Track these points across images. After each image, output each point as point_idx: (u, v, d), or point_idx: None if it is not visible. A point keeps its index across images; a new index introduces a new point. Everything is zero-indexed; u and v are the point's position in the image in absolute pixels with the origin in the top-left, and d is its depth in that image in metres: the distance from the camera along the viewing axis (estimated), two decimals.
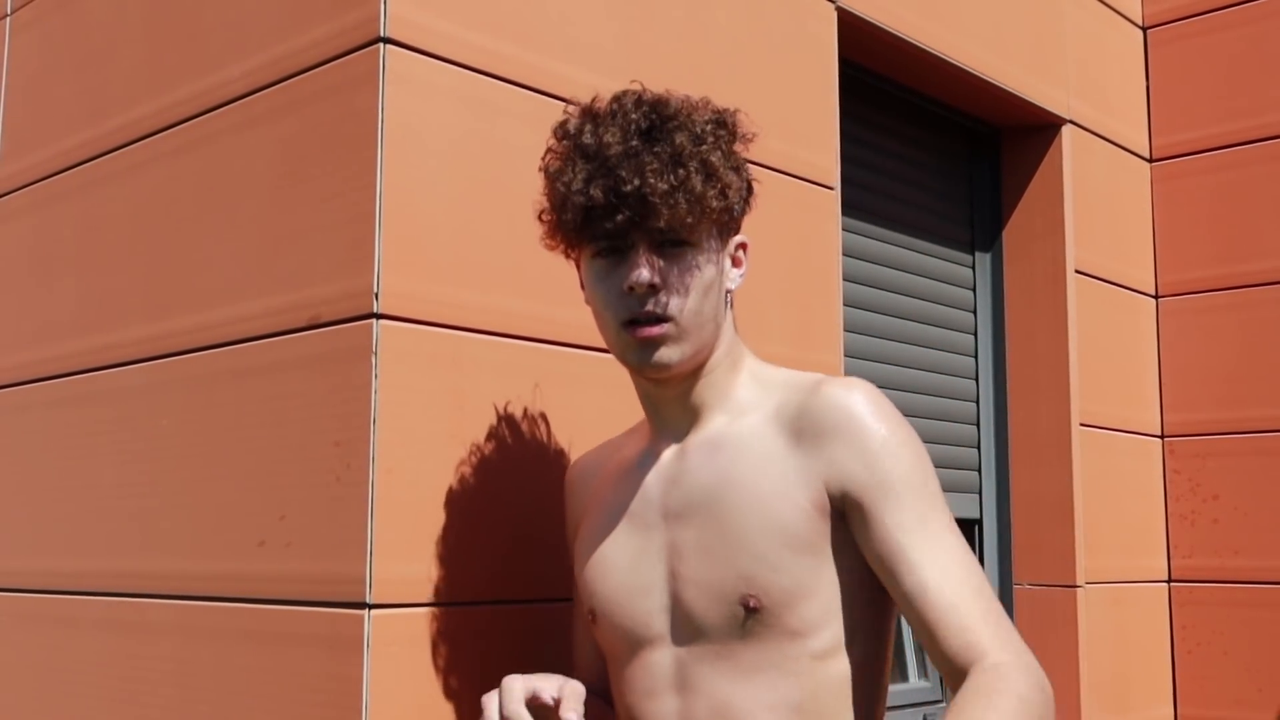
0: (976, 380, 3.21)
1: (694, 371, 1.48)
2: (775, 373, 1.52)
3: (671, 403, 1.51)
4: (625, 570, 1.50)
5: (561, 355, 1.92)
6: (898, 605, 1.40)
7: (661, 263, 1.40)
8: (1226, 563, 3.28)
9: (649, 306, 1.40)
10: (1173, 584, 3.38)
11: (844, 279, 2.54)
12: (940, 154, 3.19)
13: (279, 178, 1.90)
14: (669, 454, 1.51)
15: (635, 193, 1.36)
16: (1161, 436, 3.43)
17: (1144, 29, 3.56)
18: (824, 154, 2.48)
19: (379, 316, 1.70)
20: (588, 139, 1.41)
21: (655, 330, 1.40)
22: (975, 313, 3.22)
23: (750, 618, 1.39)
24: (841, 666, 1.42)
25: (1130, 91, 3.51)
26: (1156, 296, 3.47)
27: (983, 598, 1.34)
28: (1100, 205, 3.32)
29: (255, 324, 1.90)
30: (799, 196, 2.39)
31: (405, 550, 1.70)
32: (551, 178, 1.45)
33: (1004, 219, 3.26)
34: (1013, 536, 3.15)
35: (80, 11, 2.43)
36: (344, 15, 1.81)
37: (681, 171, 1.37)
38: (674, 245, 1.41)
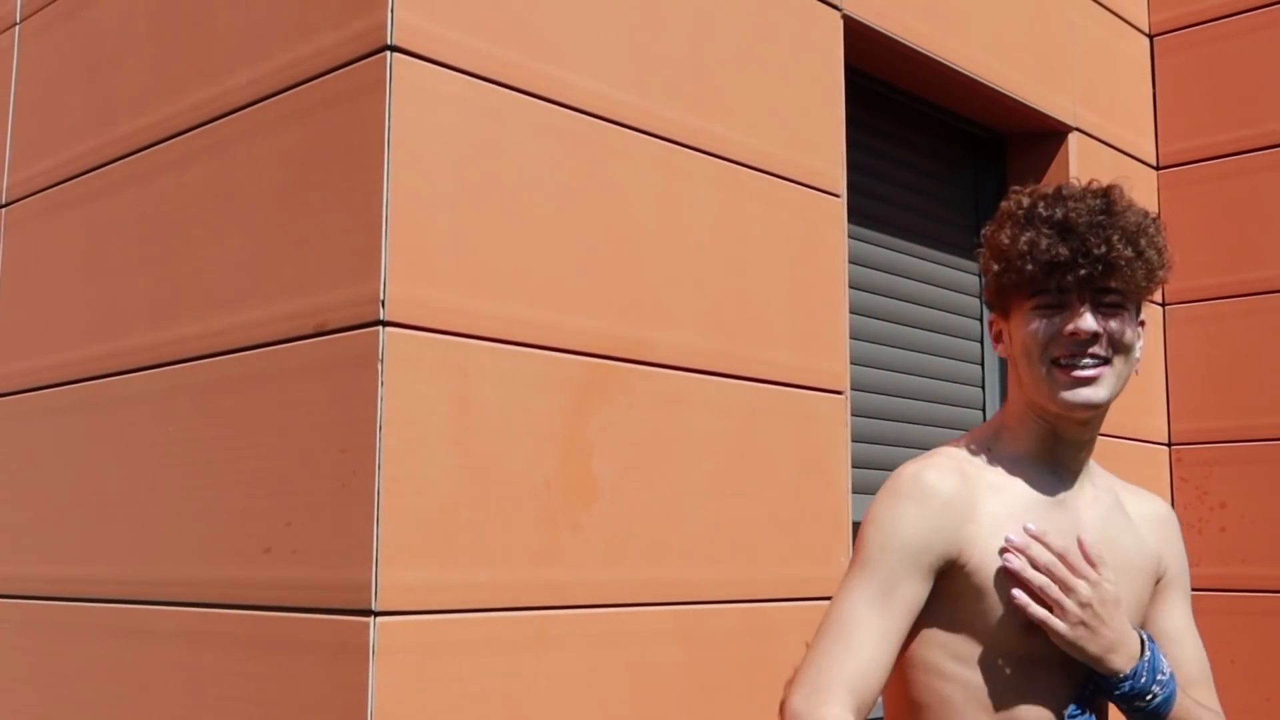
0: (983, 388, 3.20)
1: (1098, 419, 1.68)
2: None
3: (1070, 445, 1.69)
4: None
5: (566, 362, 1.92)
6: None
7: (1101, 318, 1.61)
8: (1234, 571, 3.27)
9: (1095, 349, 1.61)
10: None
11: (850, 286, 2.54)
12: (946, 161, 3.19)
13: (286, 185, 1.90)
14: (1078, 495, 1.71)
15: (1102, 256, 1.58)
16: (1168, 444, 3.42)
17: (1150, 36, 3.56)
18: (830, 161, 2.47)
19: (385, 324, 1.70)
20: (1053, 212, 1.61)
21: (1093, 371, 1.61)
22: (981, 320, 3.22)
23: None
24: None
25: (1137, 99, 3.50)
26: (1163, 304, 3.46)
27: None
28: None
29: (261, 331, 1.90)
30: (805, 203, 2.39)
31: (411, 557, 1.70)
32: (1011, 239, 1.64)
33: None
34: None
35: (89, 20, 2.44)
36: (351, 23, 1.82)
37: (1140, 243, 1.60)
38: (1111, 306, 1.62)
